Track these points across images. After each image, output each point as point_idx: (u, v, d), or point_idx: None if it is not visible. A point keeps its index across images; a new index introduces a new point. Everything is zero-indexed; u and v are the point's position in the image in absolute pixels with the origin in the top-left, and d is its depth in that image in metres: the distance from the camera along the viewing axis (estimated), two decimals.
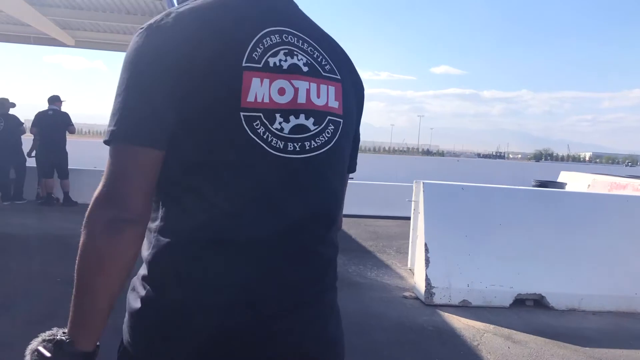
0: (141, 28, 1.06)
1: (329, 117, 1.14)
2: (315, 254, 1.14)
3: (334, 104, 1.16)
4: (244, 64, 1.05)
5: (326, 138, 1.13)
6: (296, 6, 1.24)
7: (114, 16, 11.65)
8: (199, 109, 1.02)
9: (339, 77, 1.19)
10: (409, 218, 6.72)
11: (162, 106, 1.01)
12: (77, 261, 1.01)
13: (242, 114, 1.03)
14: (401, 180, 14.49)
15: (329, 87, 1.15)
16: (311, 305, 1.13)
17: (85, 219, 1.00)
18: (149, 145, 1.01)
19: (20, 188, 9.97)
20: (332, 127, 1.15)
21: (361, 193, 10.78)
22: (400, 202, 10.60)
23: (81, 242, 1.00)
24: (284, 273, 1.08)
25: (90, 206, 1.01)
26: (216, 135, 1.02)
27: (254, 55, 1.07)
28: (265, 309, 1.06)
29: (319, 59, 1.17)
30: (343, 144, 1.19)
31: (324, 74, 1.16)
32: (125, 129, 1.01)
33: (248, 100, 1.04)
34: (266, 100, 1.05)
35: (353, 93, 1.24)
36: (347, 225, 9.19)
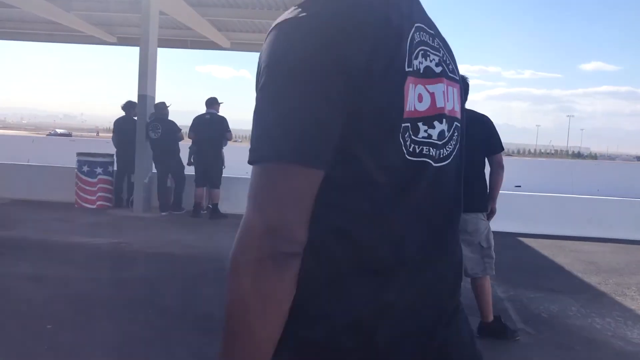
0: (284, 20, 0.92)
1: (455, 123, 1.08)
2: (457, 265, 1.10)
3: (457, 107, 1.08)
4: (407, 68, 0.94)
5: (454, 144, 1.07)
6: None
7: (271, 13, 10.95)
8: (365, 122, 0.90)
9: (457, 77, 1.11)
10: (627, 241, 5.00)
11: (329, 119, 0.88)
12: (231, 308, 0.87)
13: (402, 125, 0.93)
14: (579, 189, 12.53)
15: (454, 89, 1.07)
16: (455, 315, 1.10)
17: (238, 253, 0.86)
18: (317, 167, 0.88)
19: (179, 197, 9.44)
20: (457, 133, 1.09)
21: (554, 208, 9.05)
22: (608, 220, 8.77)
23: (237, 281, 0.86)
24: (437, 289, 1.03)
25: (245, 237, 0.86)
26: (379, 152, 0.92)
27: (411, 57, 0.96)
28: (427, 327, 1.01)
29: (444, 57, 1.07)
30: (462, 149, 1.12)
31: (449, 74, 1.07)
32: (291, 148, 0.86)
33: (407, 109, 0.93)
34: (413, 108, 0.94)
35: (463, 92, 1.14)
36: (548, 250, 7.51)
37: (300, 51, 0.87)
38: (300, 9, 0.90)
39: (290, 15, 0.90)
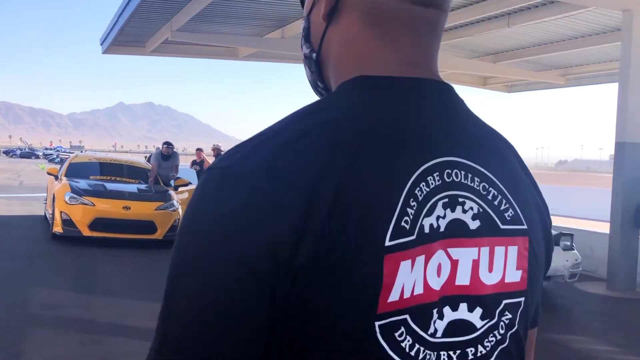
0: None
1: (505, 302, 0.71)
2: None
3: (515, 276, 0.72)
4: (387, 243, 0.61)
5: (498, 337, 0.70)
6: (461, 102, 0.74)
7: None
8: (305, 315, 0.60)
9: (525, 227, 0.73)
10: None
11: (254, 321, 0.59)
12: None
13: (377, 324, 0.61)
14: None
15: (509, 248, 0.71)
16: None
17: None
18: None
19: None
20: (510, 315, 0.72)
21: None
22: None
23: None
24: None
25: None
26: None
27: (404, 221, 0.63)
28: None
29: (498, 200, 0.71)
30: (522, 334, 0.74)
31: (502, 226, 0.71)
32: None
33: (390, 300, 0.62)
34: (419, 291, 0.63)
35: (542, 243, 0.77)
36: None
37: (203, 220, 0.62)
38: (230, 158, 0.64)
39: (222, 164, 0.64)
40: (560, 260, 6.94)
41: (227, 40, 11.68)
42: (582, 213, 19.09)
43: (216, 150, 12.82)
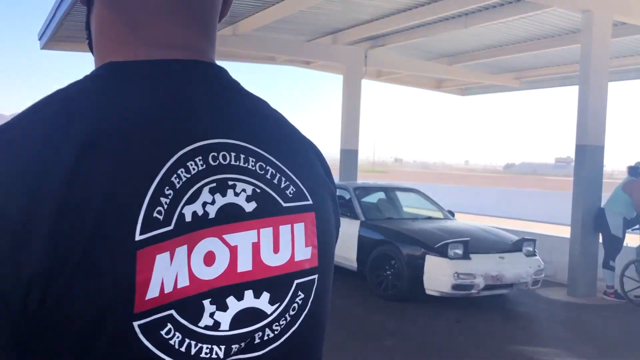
0: None
1: (296, 282, 0.70)
2: None
3: (305, 253, 0.71)
4: (137, 237, 0.58)
5: (289, 318, 0.69)
6: (234, 84, 0.74)
7: None
8: (55, 323, 0.56)
9: (310, 202, 0.73)
10: None
11: None
12: None
13: (136, 324, 0.58)
14: None
15: (295, 225, 0.70)
16: None
17: None
18: None
19: None
20: (302, 295, 0.71)
21: None
22: None
23: None
24: None
25: None
26: None
27: (156, 212, 0.60)
28: None
29: (277, 178, 0.70)
30: (320, 310, 0.75)
31: (285, 204, 0.70)
32: None
33: (148, 298, 0.58)
34: (183, 283, 0.61)
35: (332, 217, 0.81)
36: None
37: None
38: None
39: None
40: (523, 267, 6.72)
41: None
42: (535, 216, 19.29)
43: None
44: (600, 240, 7.73)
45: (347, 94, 12.02)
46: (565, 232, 13.48)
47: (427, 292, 6.50)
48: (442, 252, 6.43)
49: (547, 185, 59.91)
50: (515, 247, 6.92)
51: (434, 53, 13.05)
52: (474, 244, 6.57)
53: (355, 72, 12.07)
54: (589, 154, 7.55)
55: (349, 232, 7.66)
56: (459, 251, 6.47)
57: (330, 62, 13.62)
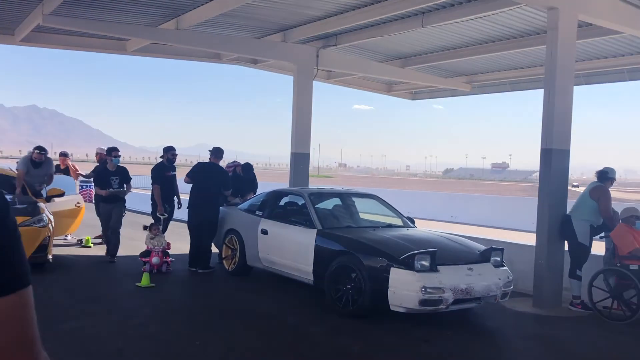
0: None
1: None
2: None
3: None
4: None
5: None
6: None
7: None
8: None
9: None
10: None
11: None
12: None
13: None
14: None
15: None
16: None
17: None
18: None
19: None
20: None
21: None
22: None
23: None
24: None
25: None
26: None
27: None
28: None
29: None
30: None
31: None
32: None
33: None
34: None
35: None
36: None
37: None
38: None
39: None
40: (493, 279, 6.27)
41: (113, 29, 10.16)
42: (483, 221, 19.21)
43: (100, 155, 10.99)
44: (566, 248, 7.41)
45: (298, 95, 11.41)
46: (515, 237, 13.36)
47: (392, 307, 5.95)
48: (408, 264, 5.89)
49: (483, 189, 61.11)
50: (483, 257, 6.47)
51: (387, 55, 12.64)
52: (440, 255, 6.07)
53: (306, 73, 11.47)
54: (555, 158, 7.22)
55: (304, 241, 7.03)
56: (426, 263, 5.95)
57: (280, 61, 13.00)
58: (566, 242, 7.35)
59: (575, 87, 7.57)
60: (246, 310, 6.44)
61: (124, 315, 5.96)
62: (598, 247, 7.47)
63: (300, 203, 7.90)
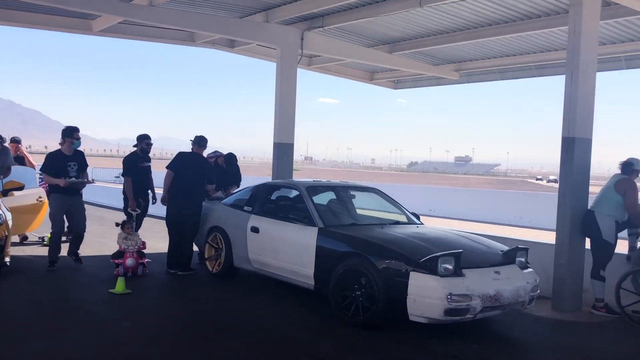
0: None
1: None
2: None
3: None
4: None
5: None
6: None
7: None
8: None
9: None
10: None
11: None
12: None
13: None
14: None
15: None
16: None
17: None
18: None
19: None
20: None
21: None
22: None
23: None
24: None
25: None
26: None
27: None
28: None
29: None
30: None
31: None
32: None
33: None
34: None
35: None
36: None
37: None
38: None
39: None
40: (521, 283, 5.58)
41: (80, 3, 9.03)
42: (464, 215, 18.70)
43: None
44: (587, 246, 6.79)
45: (282, 82, 10.52)
46: (504, 232, 12.82)
47: (412, 318, 5.19)
48: (431, 269, 5.14)
49: (447, 182, 61.16)
50: (508, 258, 5.77)
51: (374, 39, 11.87)
52: (464, 257, 5.34)
53: (290, 57, 10.60)
54: (577, 147, 6.58)
55: (303, 241, 6.22)
56: (450, 266, 5.21)
57: (260, 45, 12.10)
58: (588, 240, 6.73)
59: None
60: (242, 323, 5.59)
61: (100, 332, 5.03)
62: (619, 246, 6.85)
63: (295, 197, 7.06)
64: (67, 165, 7.65)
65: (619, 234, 6.68)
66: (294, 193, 7.41)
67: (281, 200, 7.26)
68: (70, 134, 7.78)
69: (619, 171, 6.82)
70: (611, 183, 6.69)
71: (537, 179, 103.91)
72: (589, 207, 6.76)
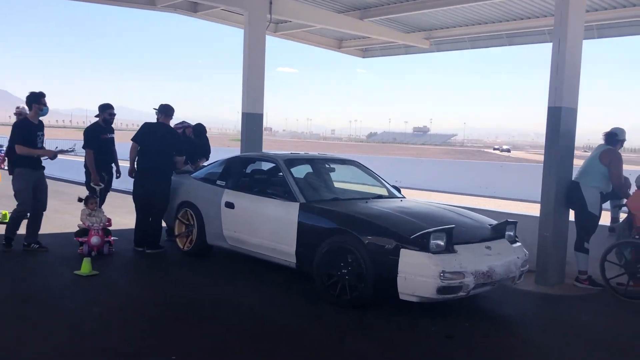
0: None
1: None
2: None
3: None
4: None
5: None
6: None
7: None
8: None
9: None
10: None
11: None
12: None
13: None
14: None
15: None
16: None
17: None
18: None
19: None
20: None
21: None
22: None
23: None
24: None
25: None
26: None
27: None
28: None
29: None
30: None
31: None
32: None
33: None
34: None
35: None
36: None
37: None
38: None
39: None
40: (512, 258, 5.40)
41: None
42: (433, 186, 18.66)
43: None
44: (571, 218, 6.68)
45: (250, 49, 10.02)
46: (472, 202, 12.77)
47: (402, 296, 4.96)
48: (422, 245, 4.89)
49: (412, 153, 61.72)
50: (497, 232, 5.58)
51: (345, 5, 11.43)
52: (455, 233, 5.11)
53: (258, 22, 10.09)
54: (563, 117, 6.40)
55: (283, 217, 5.89)
56: (442, 242, 4.98)
57: (225, 9, 11.51)
58: (573, 212, 6.62)
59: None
60: (222, 306, 5.25)
61: (69, 321, 4.60)
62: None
63: (273, 171, 6.71)
64: (36, 135, 6.93)
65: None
66: (270, 166, 7.06)
67: (257, 174, 6.89)
68: (38, 99, 6.95)
69: (602, 142, 6.69)
70: (596, 154, 6.57)
71: (495, 149, 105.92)
72: (573, 179, 6.64)
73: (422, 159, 28.87)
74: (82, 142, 7.79)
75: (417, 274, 4.83)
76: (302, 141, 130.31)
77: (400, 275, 4.89)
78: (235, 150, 21.31)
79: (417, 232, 4.97)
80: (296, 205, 5.82)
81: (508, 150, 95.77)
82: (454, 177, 19.60)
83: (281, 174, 6.47)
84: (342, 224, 5.39)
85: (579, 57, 6.52)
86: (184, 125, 8.62)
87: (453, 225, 5.12)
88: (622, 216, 6.69)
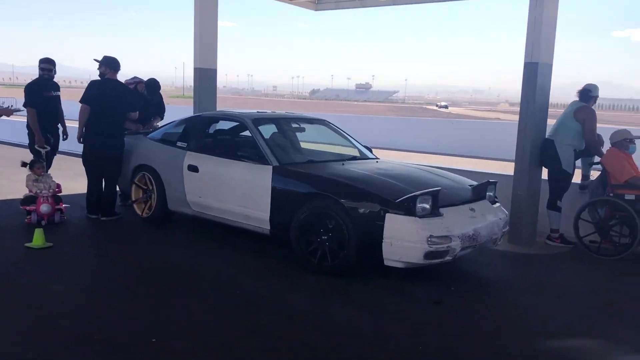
0: None
1: None
2: None
3: None
4: None
5: None
6: None
7: None
8: None
9: None
10: None
11: None
12: None
13: None
14: None
15: None
16: None
17: None
18: None
19: None
20: None
21: None
22: None
23: None
24: None
25: None
26: None
27: None
28: None
29: None
30: None
31: None
32: None
33: None
34: None
35: None
36: None
37: None
38: None
39: None
40: (494, 219, 5.27)
41: None
42: (383, 144, 18.53)
43: None
44: (544, 176, 6.62)
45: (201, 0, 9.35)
46: (429, 160, 12.72)
47: (387, 262, 4.73)
48: (408, 209, 4.65)
49: (356, 111, 61.51)
50: (478, 193, 5.42)
51: None
52: (439, 196, 4.90)
53: None
54: (540, 73, 6.24)
55: (255, 182, 5.52)
56: (427, 206, 4.76)
57: None
58: (546, 169, 6.55)
59: None
60: (194, 277, 4.89)
61: (30, 303, 4.12)
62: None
63: (239, 131, 6.28)
64: None
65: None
66: (232, 125, 6.63)
67: (222, 134, 6.45)
68: None
69: (576, 98, 6.60)
70: (570, 111, 6.47)
71: (438, 106, 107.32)
72: (546, 136, 6.54)
73: (372, 117, 28.73)
74: (23, 100, 7.10)
75: (404, 239, 4.60)
76: (244, 98, 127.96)
77: (386, 241, 4.65)
78: (180, 108, 20.45)
79: (402, 195, 4.72)
80: (269, 169, 5.45)
81: (446, 107, 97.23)
82: (405, 134, 19.54)
83: (248, 133, 6.06)
84: (321, 188, 5.07)
85: (555, 12, 6.33)
86: (135, 80, 7.99)
87: (439, 188, 4.90)
88: (593, 174, 6.68)
